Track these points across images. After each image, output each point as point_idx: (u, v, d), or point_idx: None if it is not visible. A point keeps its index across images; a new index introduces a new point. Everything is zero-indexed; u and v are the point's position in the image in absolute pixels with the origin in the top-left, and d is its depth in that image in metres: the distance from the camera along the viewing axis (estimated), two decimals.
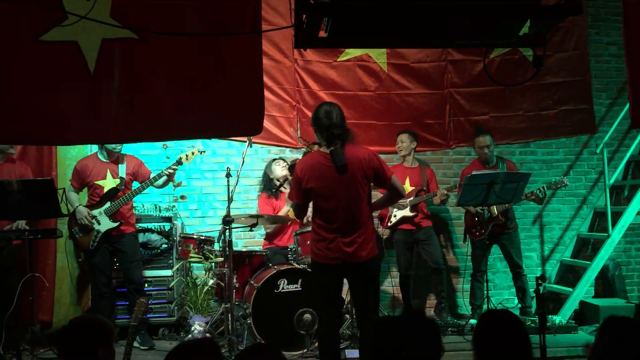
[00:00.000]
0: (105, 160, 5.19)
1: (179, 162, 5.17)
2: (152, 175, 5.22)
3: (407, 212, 5.68)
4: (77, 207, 5.07)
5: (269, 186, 5.79)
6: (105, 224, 5.04)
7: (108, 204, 5.06)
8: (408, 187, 5.73)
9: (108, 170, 5.16)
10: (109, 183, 5.13)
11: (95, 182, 5.14)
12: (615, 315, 2.48)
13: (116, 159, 5.22)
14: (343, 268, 3.76)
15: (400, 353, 1.93)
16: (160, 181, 5.21)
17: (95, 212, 5.06)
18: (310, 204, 3.92)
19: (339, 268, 3.76)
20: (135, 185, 5.26)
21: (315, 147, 3.97)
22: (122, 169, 5.18)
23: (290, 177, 5.64)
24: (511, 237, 5.72)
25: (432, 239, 5.81)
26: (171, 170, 5.14)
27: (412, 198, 5.70)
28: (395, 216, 5.75)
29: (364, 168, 3.75)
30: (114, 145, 5.11)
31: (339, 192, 3.70)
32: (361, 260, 3.75)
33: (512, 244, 5.73)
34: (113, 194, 5.09)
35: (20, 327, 4.70)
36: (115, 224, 5.05)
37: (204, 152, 5.46)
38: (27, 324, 4.78)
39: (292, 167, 4.33)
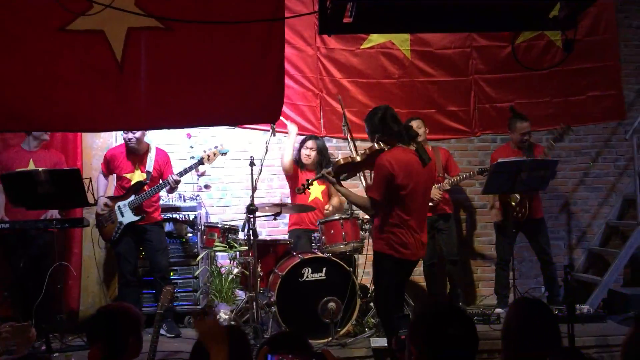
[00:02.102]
0: (133, 153, 5.20)
1: (201, 162, 5.16)
2: (169, 178, 5.13)
3: None
4: (98, 197, 5.12)
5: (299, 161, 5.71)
6: (128, 217, 5.08)
7: (132, 197, 5.10)
8: None
9: (136, 164, 5.19)
10: (136, 176, 5.17)
11: (123, 175, 5.18)
12: None
13: (145, 152, 5.23)
14: (412, 264, 4.00)
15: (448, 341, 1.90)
16: (164, 190, 5.22)
17: (120, 203, 5.10)
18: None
19: (411, 264, 3.98)
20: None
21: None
22: (150, 163, 5.19)
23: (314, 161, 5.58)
24: (537, 224, 5.64)
25: (451, 230, 5.70)
26: (174, 180, 5.06)
27: None
28: None
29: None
30: (138, 138, 5.09)
31: (421, 190, 3.87)
32: (422, 257, 4.06)
33: (538, 231, 5.64)
34: (139, 187, 5.11)
35: (49, 316, 4.77)
36: (137, 218, 5.09)
37: (226, 154, 5.32)
38: (55, 312, 4.85)
39: (337, 167, 4.04)
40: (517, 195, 5.43)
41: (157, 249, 5.21)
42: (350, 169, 4.11)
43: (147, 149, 5.25)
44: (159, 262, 5.21)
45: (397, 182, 3.72)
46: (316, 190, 5.65)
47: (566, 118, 6.24)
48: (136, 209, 5.10)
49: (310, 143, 5.62)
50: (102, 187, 5.26)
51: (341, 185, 4.04)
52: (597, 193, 6.58)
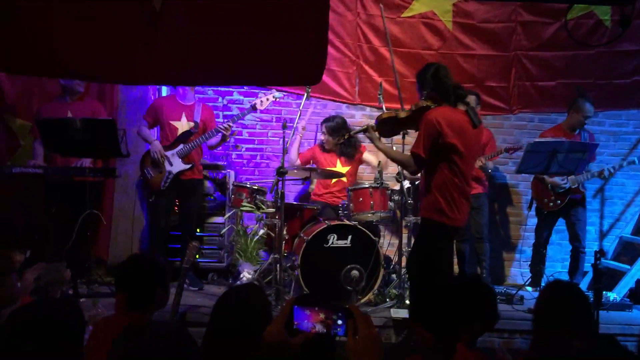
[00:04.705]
0: (182, 102, 5.24)
1: (254, 108, 5.11)
2: (219, 125, 5.12)
3: None
4: (152, 141, 5.15)
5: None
6: (178, 165, 5.10)
7: (181, 146, 5.12)
8: None
9: (183, 113, 5.21)
10: (183, 125, 5.19)
11: (170, 122, 5.19)
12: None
13: (193, 104, 5.26)
14: (458, 231, 3.89)
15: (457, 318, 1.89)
16: (214, 140, 5.20)
17: (168, 153, 5.12)
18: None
19: (457, 231, 3.86)
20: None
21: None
22: (197, 114, 5.21)
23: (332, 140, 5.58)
24: (579, 211, 5.51)
25: (482, 208, 5.58)
26: (227, 126, 5.04)
27: None
28: None
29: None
30: (189, 89, 5.16)
31: (471, 153, 3.76)
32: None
33: (578, 217, 5.52)
34: (186, 136, 5.14)
35: (78, 262, 4.86)
36: (188, 166, 5.11)
37: (282, 97, 5.19)
38: (84, 260, 4.95)
39: (380, 121, 3.95)
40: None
41: (190, 207, 5.28)
42: (393, 125, 3.95)
43: (195, 102, 5.28)
44: (188, 222, 5.28)
45: (446, 141, 3.57)
46: (341, 170, 5.62)
47: (609, 101, 6.09)
48: (185, 158, 5.12)
49: (322, 128, 5.63)
50: (150, 135, 5.26)
51: (381, 142, 3.96)
52: (635, 180, 6.42)
